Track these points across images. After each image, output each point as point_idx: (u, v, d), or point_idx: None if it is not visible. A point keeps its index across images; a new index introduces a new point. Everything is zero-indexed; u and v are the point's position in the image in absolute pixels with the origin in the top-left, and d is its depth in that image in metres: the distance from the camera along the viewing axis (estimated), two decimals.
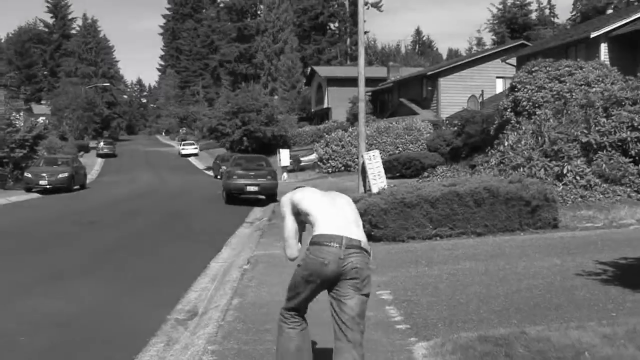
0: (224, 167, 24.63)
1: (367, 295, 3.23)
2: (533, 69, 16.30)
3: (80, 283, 7.05)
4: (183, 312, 5.91)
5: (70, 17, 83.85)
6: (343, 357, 3.17)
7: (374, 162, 12.34)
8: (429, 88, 32.88)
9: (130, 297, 6.45)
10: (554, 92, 15.15)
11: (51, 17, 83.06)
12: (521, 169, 11.93)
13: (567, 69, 15.83)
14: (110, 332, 5.27)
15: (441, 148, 22.84)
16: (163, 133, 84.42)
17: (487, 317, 4.94)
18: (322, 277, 3.15)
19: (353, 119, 34.58)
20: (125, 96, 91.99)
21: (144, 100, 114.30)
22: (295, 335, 3.34)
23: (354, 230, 3.23)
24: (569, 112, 13.32)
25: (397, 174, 21.17)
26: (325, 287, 3.22)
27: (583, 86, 14.96)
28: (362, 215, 8.54)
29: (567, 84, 15.18)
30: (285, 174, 27.18)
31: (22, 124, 25.07)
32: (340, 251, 3.11)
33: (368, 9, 63.72)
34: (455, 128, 22.74)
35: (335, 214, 3.26)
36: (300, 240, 3.46)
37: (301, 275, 3.25)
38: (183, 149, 52.00)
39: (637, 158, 11.93)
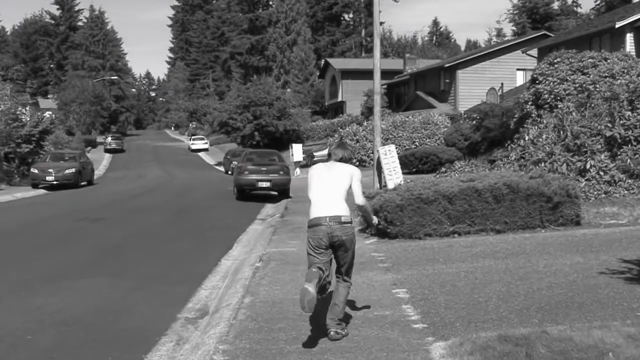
0: (234, 163, 24.43)
1: (353, 250, 4.54)
2: (555, 61, 15.91)
3: (87, 281, 6.98)
4: (193, 310, 5.83)
5: (77, 8, 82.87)
6: (339, 286, 4.59)
7: (389, 157, 12.10)
8: (447, 80, 32.37)
9: (139, 295, 6.36)
10: (577, 85, 14.75)
11: (57, 9, 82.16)
12: (542, 164, 11.67)
13: (590, 60, 15.40)
14: (118, 330, 5.19)
15: (459, 142, 22.51)
16: (172, 127, 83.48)
17: (507, 316, 4.82)
18: (321, 246, 4.37)
19: (368, 112, 34.26)
20: (133, 90, 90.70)
21: (153, 94, 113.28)
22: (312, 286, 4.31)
23: (337, 207, 4.38)
24: (592, 105, 12.98)
25: (414, 169, 20.94)
26: (329, 250, 4.43)
27: (607, 78, 14.54)
28: (377, 211, 8.43)
29: (591, 76, 14.76)
30: (298, 169, 27.01)
31: (28, 119, 25.11)
32: (328, 228, 4.33)
33: None
34: (474, 122, 22.38)
35: (324, 196, 4.42)
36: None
37: (308, 253, 4.47)
38: (193, 143, 51.61)
39: None
